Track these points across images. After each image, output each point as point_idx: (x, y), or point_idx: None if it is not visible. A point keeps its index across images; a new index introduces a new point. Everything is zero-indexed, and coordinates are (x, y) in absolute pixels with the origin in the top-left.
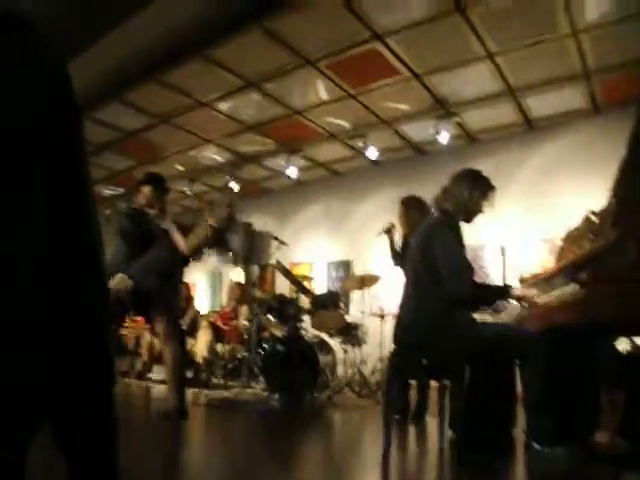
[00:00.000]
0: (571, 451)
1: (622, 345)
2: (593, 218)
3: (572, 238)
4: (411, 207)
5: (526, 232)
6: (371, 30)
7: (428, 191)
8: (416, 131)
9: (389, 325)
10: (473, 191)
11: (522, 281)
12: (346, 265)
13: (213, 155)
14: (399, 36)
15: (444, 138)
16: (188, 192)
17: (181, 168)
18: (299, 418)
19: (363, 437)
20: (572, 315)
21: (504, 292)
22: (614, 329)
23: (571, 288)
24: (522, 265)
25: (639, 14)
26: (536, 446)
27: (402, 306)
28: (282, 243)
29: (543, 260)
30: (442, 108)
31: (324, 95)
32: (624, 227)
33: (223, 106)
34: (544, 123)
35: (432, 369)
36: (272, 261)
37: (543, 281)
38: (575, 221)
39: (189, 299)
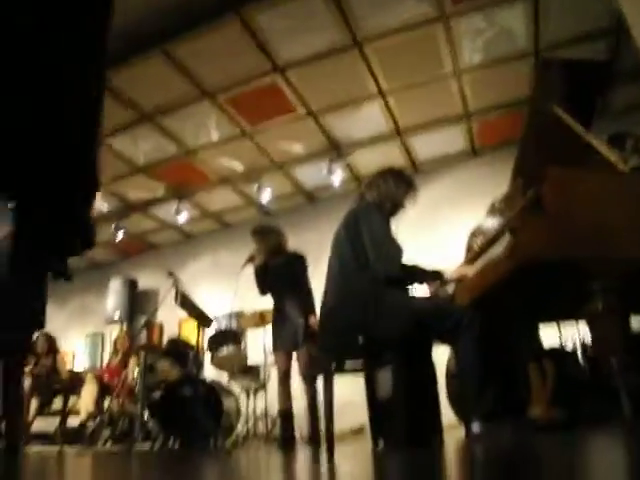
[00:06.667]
0: (511, 425)
1: None
2: (496, 205)
3: (478, 231)
4: (264, 233)
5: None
6: (272, 62)
7: (321, 238)
8: (308, 175)
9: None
10: (399, 184)
11: None
12: (238, 316)
13: (98, 202)
14: (299, 70)
15: (337, 179)
16: None
17: None
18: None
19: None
20: (503, 267)
21: (438, 273)
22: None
23: (500, 246)
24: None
25: (513, 58)
26: (475, 425)
27: (326, 303)
28: (176, 280)
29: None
30: (335, 149)
31: (220, 132)
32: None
33: (114, 143)
34: (428, 166)
35: (367, 348)
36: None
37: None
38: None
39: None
